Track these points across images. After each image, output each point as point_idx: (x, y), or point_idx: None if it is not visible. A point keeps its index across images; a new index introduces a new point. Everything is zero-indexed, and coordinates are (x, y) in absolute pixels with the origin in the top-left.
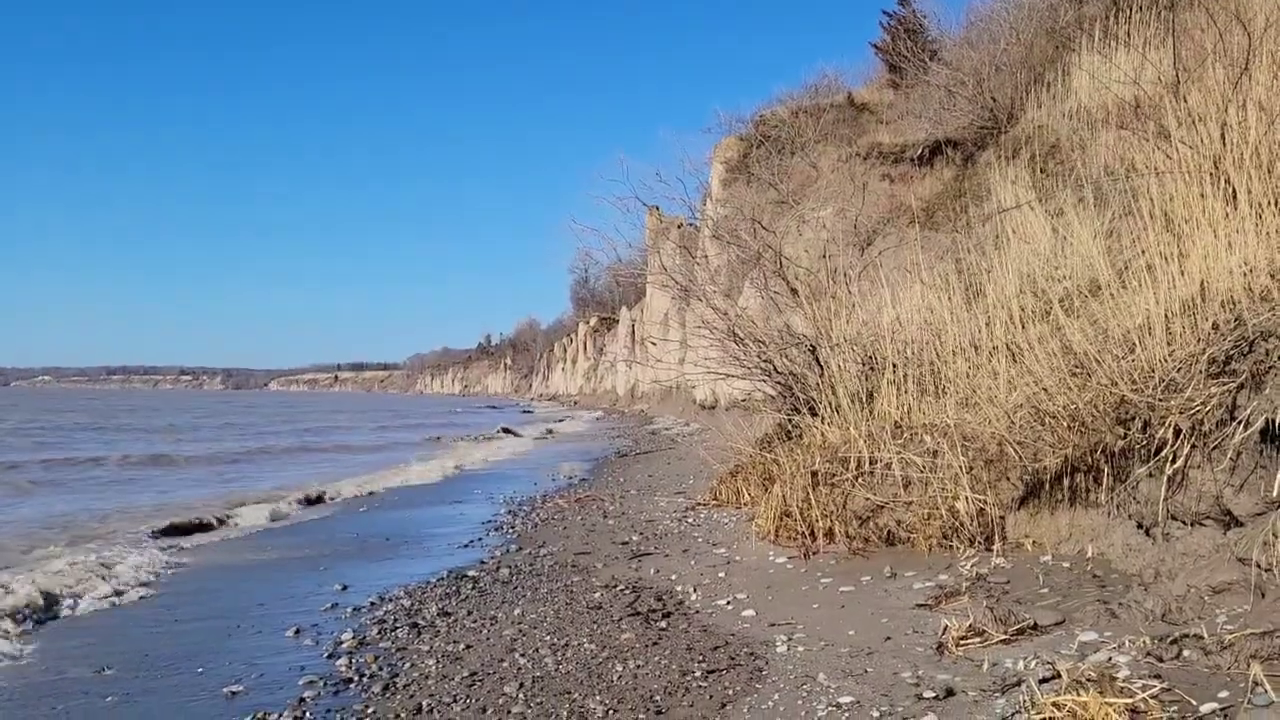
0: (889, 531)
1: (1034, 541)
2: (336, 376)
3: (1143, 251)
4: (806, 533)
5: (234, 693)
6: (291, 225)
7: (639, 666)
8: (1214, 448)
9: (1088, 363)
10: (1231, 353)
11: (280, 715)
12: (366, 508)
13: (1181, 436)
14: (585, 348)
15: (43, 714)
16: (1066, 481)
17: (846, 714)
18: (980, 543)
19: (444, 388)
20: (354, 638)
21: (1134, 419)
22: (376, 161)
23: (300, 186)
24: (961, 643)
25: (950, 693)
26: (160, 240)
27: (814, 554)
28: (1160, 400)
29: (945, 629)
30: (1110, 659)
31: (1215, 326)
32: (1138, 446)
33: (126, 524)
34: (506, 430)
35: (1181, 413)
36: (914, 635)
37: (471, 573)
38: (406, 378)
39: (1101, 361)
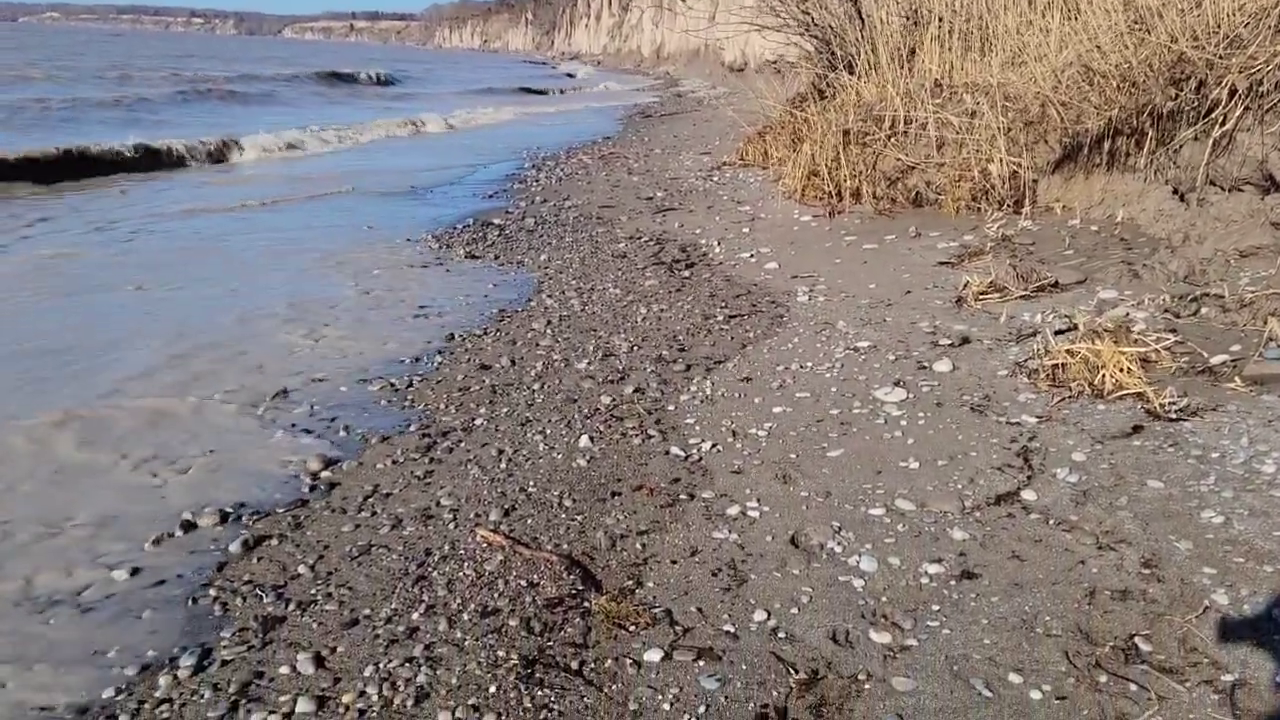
0: (917, 193)
1: (1064, 205)
2: (352, 25)
3: None
4: (833, 192)
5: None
6: None
7: (662, 310)
8: (1268, 110)
9: (1149, 18)
10: None
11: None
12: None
13: (1236, 97)
14: (610, 3)
15: None
16: (1106, 145)
17: (863, 357)
18: (1009, 206)
19: (462, 41)
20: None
21: (1189, 79)
22: None
23: None
24: (981, 297)
25: (965, 341)
26: None
27: (839, 213)
28: (1220, 58)
29: (965, 284)
30: (1127, 314)
31: None
32: (1187, 108)
33: None
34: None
35: (1240, 71)
36: (934, 290)
37: (497, 220)
38: (424, 29)
39: (1164, 16)
